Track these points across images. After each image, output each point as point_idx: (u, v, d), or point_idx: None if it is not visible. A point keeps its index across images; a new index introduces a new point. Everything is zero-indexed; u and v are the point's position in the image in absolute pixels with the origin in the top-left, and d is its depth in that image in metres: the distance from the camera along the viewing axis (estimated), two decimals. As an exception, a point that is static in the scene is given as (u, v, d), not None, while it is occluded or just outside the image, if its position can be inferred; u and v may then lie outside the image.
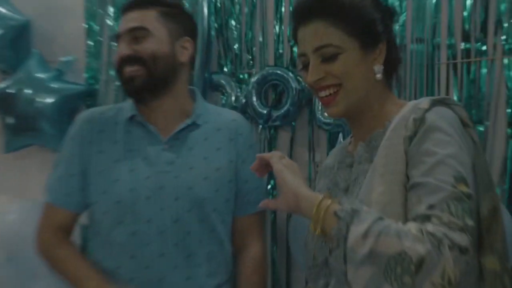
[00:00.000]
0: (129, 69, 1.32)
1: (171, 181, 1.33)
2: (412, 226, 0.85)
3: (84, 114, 1.48)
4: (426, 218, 0.86)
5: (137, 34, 1.33)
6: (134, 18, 1.33)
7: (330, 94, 1.06)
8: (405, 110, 1.02)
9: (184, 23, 1.41)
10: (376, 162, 1.00)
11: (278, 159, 1.05)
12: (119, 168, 1.35)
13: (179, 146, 1.36)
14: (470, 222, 0.85)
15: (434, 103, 1.00)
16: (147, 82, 1.33)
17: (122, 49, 1.33)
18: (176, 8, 1.41)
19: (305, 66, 1.07)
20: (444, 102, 1.02)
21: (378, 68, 1.07)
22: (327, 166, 1.22)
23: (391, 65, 1.12)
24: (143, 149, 1.36)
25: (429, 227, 0.84)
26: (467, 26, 1.78)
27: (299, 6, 1.10)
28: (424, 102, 1.01)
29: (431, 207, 0.86)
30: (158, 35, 1.34)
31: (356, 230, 0.86)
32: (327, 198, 0.96)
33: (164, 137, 1.37)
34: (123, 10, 1.37)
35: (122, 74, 1.34)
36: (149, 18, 1.33)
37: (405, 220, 0.91)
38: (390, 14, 1.12)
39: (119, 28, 1.38)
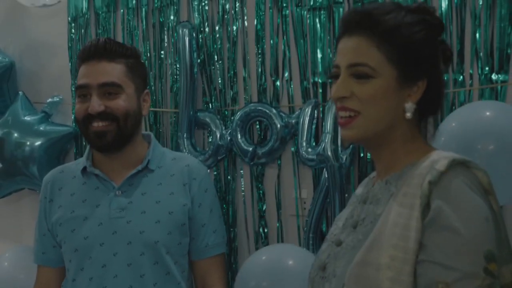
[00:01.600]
0: (99, 124, 1.35)
1: (124, 226, 1.38)
2: None
3: (46, 176, 1.55)
4: None
5: (109, 90, 1.35)
6: (105, 72, 1.34)
7: (350, 116, 0.98)
8: (424, 166, 0.93)
9: (143, 74, 1.47)
10: (384, 223, 0.92)
11: None
12: (74, 219, 1.42)
13: (132, 191, 1.41)
14: None
15: (452, 165, 0.90)
16: (118, 137, 1.37)
17: (94, 104, 1.33)
18: (138, 59, 1.45)
19: (335, 78, 1.00)
20: (465, 164, 0.92)
21: (410, 106, 0.97)
22: (355, 194, 1.14)
23: (428, 107, 1.01)
24: (97, 198, 1.42)
25: None
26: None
27: (349, 15, 1.02)
28: (441, 162, 0.91)
29: None
30: (128, 92, 1.38)
31: None
32: None
33: (117, 184, 1.41)
34: (86, 57, 1.36)
35: (89, 128, 1.36)
36: (119, 72, 1.36)
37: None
38: (446, 55, 1.01)
39: (84, 77, 1.36)
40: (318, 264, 1.05)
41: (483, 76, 1.78)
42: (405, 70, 0.96)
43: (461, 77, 1.80)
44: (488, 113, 1.57)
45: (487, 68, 1.77)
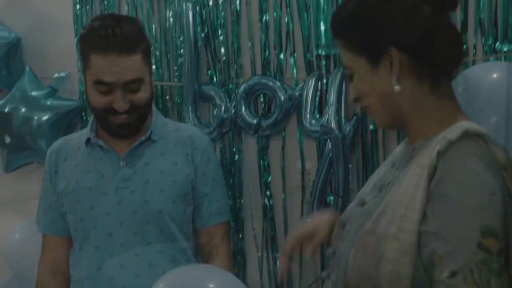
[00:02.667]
0: (123, 117, 1.37)
1: (128, 196, 1.42)
2: None
3: (50, 147, 1.57)
4: None
5: (133, 86, 1.36)
6: (128, 68, 1.34)
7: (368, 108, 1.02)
8: (441, 135, 0.90)
9: (150, 50, 1.44)
10: (395, 192, 0.91)
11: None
12: (79, 189, 1.45)
13: (135, 162, 1.44)
14: (495, 285, 0.79)
15: (465, 135, 0.87)
16: (139, 125, 1.44)
17: (121, 103, 1.34)
18: (146, 38, 1.43)
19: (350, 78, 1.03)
20: (481, 137, 0.88)
21: (394, 81, 0.93)
22: (393, 153, 1.12)
23: (434, 67, 0.94)
24: (102, 168, 1.45)
25: None
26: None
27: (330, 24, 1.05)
28: (454, 132, 0.88)
29: (453, 274, 0.79)
30: (146, 80, 1.40)
31: None
32: None
33: (121, 155, 1.44)
34: (103, 48, 1.32)
35: (111, 119, 1.39)
36: (139, 65, 1.37)
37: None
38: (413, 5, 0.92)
39: (107, 75, 1.34)
40: (341, 221, 1.06)
41: (486, 46, 1.78)
42: (365, 52, 0.95)
43: (465, 47, 1.79)
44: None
45: (491, 38, 1.76)
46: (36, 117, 2.22)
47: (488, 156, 0.86)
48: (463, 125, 0.90)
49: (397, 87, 0.93)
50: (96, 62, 1.34)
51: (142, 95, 1.38)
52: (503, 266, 0.81)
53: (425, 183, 0.86)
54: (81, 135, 1.55)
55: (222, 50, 2.09)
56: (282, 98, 1.92)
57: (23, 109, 2.25)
